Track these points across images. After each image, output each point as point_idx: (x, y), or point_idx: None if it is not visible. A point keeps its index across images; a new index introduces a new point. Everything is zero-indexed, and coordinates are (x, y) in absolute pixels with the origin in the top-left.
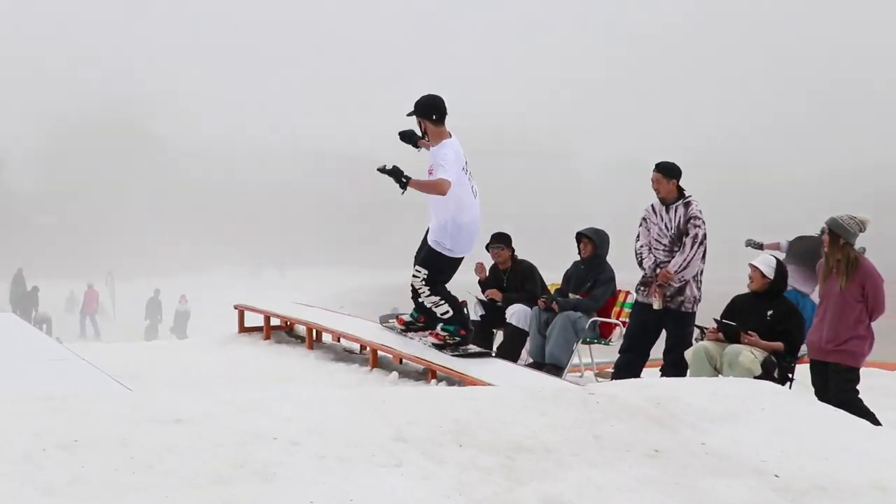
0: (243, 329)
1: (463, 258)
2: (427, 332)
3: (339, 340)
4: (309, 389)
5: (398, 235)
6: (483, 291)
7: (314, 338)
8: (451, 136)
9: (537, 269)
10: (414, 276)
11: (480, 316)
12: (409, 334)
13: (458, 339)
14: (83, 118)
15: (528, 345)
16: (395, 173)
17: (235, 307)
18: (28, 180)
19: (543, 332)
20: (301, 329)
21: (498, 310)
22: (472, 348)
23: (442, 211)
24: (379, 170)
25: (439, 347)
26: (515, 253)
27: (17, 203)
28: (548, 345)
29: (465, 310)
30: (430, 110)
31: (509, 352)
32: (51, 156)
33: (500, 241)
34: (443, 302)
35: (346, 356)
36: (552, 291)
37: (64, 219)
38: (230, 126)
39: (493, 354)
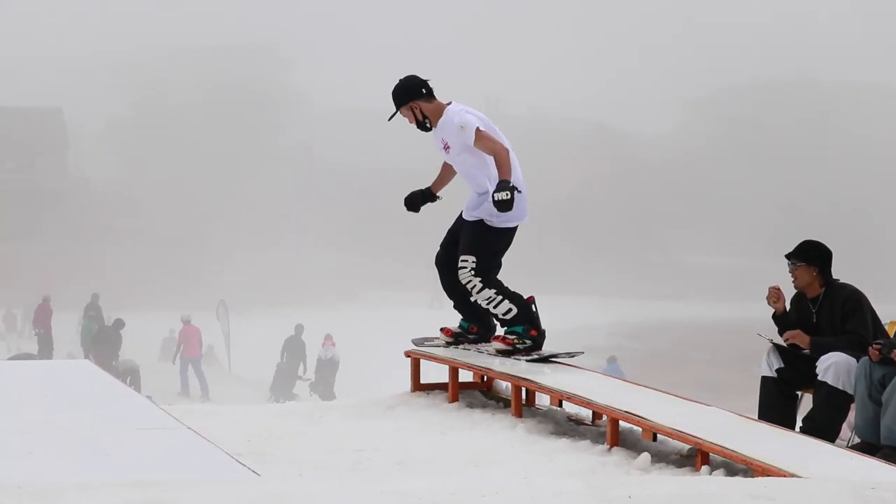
0: (419, 386)
1: (516, 229)
2: (489, 338)
3: (560, 405)
4: (517, 479)
5: (651, 254)
6: (780, 332)
7: (524, 400)
8: (450, 102)
9: (866, 299)
10: (461, 267)
11: (777, 370)
12: (462, 346)
13: (528, 342)
14: (183, 82)
15: (852, 415)
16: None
17: (407, 354)
18: (106, 164)
19: (878, 396)
20: (505, 386)
21: (804, 361)
22: (552, 352)
23: (482, 176)
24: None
25: (506, 354)
26: (830, 274)
27: (90, 197)
28: (884, 416)
29: (533, 306)
30: (416, 90)
31: (823, 424)
32: (133, 132)
33: (798, 256)
34: (501, 297)
35: (571, 428)
36: (893, 334)
37: (154, 221)
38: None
39: (799, 428)
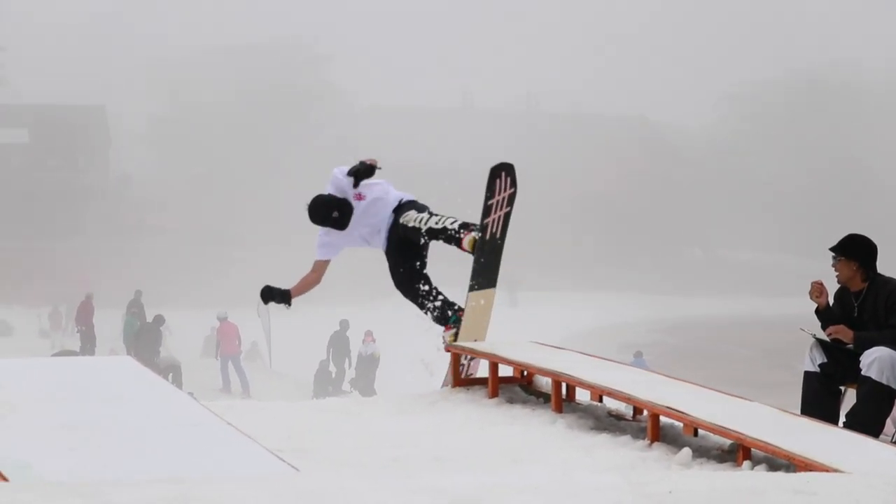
0: (459, 381)
1: None
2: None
3: (601, 400)
4: (556, 475)
5: (680, 252)
6: (823, 327)
7: (564, 396)
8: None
9: None
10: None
11: (820, 365)
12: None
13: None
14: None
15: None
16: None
17: (447, 349)
18: (147, 162)
19: None
20: (545, 382)
21: (847, 356)
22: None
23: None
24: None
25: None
26: (874, 269)
27: (131, 194)
28: None
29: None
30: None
31: (866, 420)
32: (173, 130)
33: (839, 250)
34: (442, 218)
35: (611, 424)
36: None
37: (194, 219)
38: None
39: (842, 424)
